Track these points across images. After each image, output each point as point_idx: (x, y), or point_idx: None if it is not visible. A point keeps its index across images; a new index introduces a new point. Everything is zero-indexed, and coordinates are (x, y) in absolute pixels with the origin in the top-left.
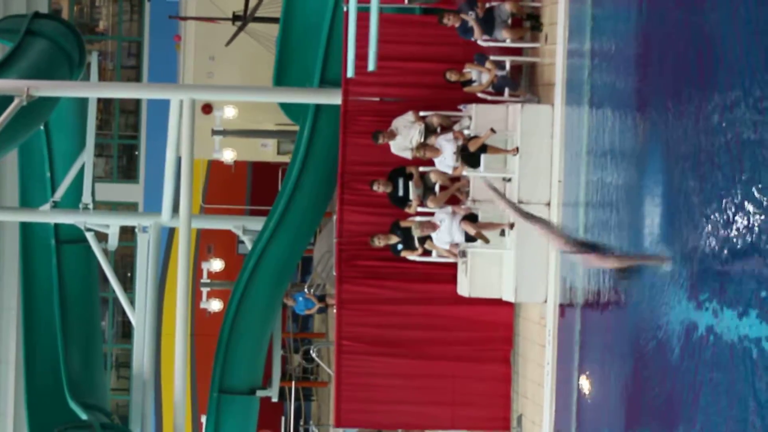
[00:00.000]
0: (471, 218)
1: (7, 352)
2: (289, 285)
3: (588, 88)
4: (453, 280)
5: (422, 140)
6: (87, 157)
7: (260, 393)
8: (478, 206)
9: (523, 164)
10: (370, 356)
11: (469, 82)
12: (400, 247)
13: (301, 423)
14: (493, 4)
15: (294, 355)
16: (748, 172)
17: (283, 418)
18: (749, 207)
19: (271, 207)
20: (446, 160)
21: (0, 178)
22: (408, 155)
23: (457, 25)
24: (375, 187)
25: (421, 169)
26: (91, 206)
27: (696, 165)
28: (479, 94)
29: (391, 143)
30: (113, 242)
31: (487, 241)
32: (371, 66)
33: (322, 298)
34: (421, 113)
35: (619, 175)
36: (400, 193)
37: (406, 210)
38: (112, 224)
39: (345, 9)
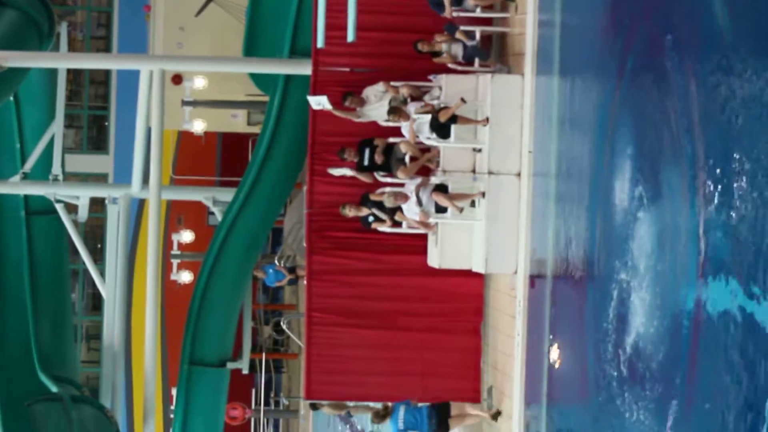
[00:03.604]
0: (441, 189)
1: None
2: (259, 256)
3: (558, 58)
4: (423, 251)
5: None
6: (57, 128)
7: (231, 365)
8: (449, 177)
9: (494, 135)
10: (341, 328)
11: (440, 53)
12: (371, 219)
13: (272, 395)
14: None
15: (264, 327)
16: (720, 140)
17: (253, 390)
18: (725, 174)
19: (242, 178)
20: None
21: None
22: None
23: None
24: (345, 156)
25: (390, 140)
26: (61, 177)
27: (668, 134)
28: (449, 65)
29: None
30: (83, 214)
31: (460, 210)
32: (350, 37)
33: (292, 270)
34: (392, 83)
35: (590, 145)
36: (365, 162)
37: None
38: (82, 196)
39: None
